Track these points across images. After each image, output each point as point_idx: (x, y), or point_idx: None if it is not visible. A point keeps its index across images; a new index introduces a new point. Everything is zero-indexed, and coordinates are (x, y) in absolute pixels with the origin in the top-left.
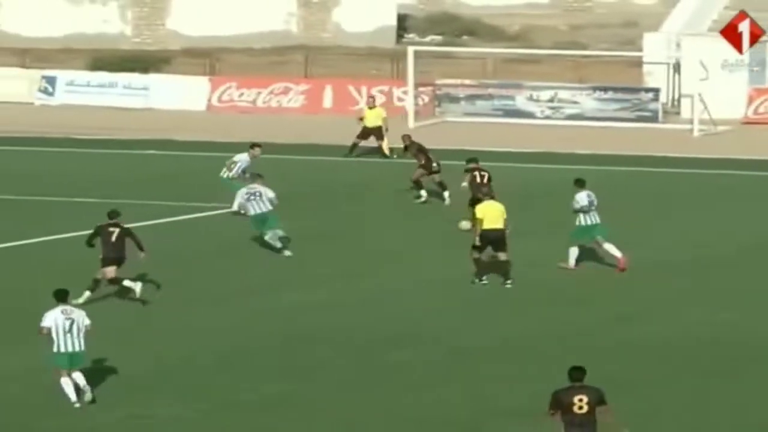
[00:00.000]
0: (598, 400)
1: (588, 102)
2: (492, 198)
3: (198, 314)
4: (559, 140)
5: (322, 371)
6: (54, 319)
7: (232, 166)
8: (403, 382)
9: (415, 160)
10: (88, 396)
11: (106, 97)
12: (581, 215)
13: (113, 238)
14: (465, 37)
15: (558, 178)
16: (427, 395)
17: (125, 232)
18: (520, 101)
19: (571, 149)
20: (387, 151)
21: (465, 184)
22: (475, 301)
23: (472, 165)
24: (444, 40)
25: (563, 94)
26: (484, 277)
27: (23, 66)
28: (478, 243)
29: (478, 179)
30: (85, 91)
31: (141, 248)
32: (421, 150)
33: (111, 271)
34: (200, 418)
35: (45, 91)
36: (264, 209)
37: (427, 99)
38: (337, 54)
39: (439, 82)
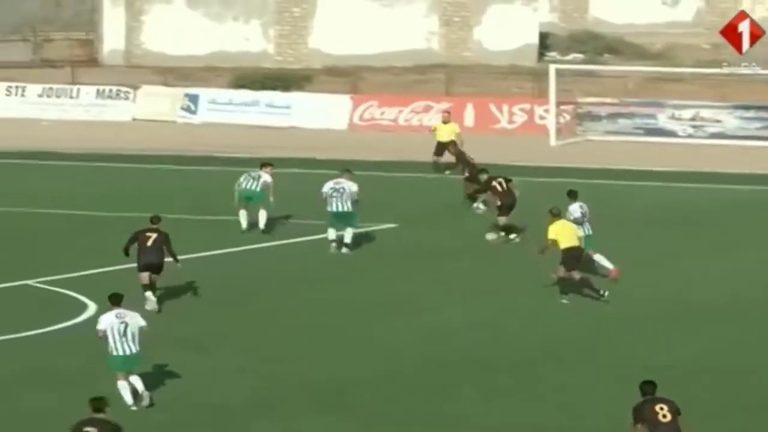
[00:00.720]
0: (676, 409)
1: (730, 120)
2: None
3: (353, 330)
4: (700, 159)
5: (474, 390)
6: (109, 323)
7: (253, 180)
8: (558, 400)
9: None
10: (145, 401)
11: (248, 116)
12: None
13: (149, 243)
14: (607, 56)
15: (699, 198)
16: (581, 412)
17: (163, 239)
18: (662, 120)
19: (713, 168)
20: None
21: (499, 202)
22: (627, 321)
23: (487, 175)
24: (586, 59)
25: (705, 113)
26: (603, 292)
27: (166, 84)
28: (562, 272)
29: (500, 188)
30: (228, 110)
31: (175, 259)
32: (464, 158)
33: (144, 277)
34: None
35: (188, 110)
36: (344, 208)
37: (568, 117)
38: (479, 72)
39: (580, 100)
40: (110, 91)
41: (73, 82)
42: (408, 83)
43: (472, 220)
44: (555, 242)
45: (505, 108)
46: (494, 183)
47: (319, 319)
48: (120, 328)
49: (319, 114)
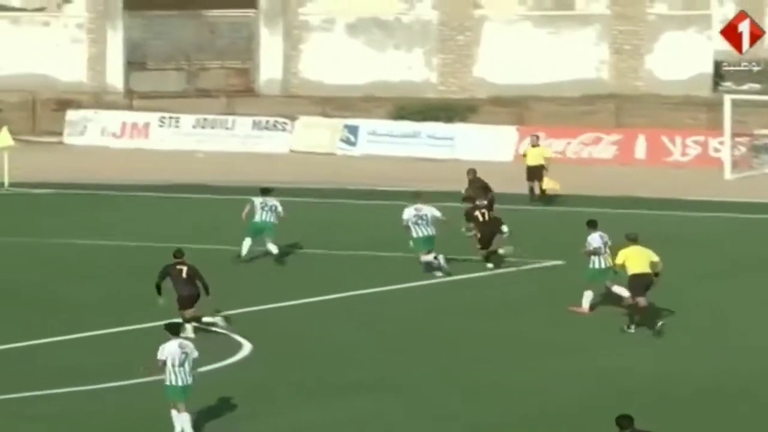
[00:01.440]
0: None
1: None
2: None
3: (506, 371)
4: None
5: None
6: (171, 352)
7: (269, 212)
8: None
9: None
10: None
11: (409, 147)
12: (594, 258)
13: (184, 276)
14: None
15: None
16: None
17: (193, 270)
18: None
19: None
20: (546, 189)
21: (479, 234)
22: None
23: (470, 204)
24: (762, 88)
25: None
26: (632, 326)
27: (325, 115)
28: (625, 291)
29: (481, 219)
30: (388, 141)
31: (207, 290)
32: (485, 188)
33: (189, 312)
34: None
35: (347, 141)
36: (429, 233)
37: (744, 150)
38: (650, 103)
39: (757, 132)
40: (267, 122)
41: (229, 113)
42: (576, 114)
43: None
44: (623, 267)
45: (678, 140)
46: (477, 213)
47: (475, 359)
48: (180, 358)
49: (484, 146)
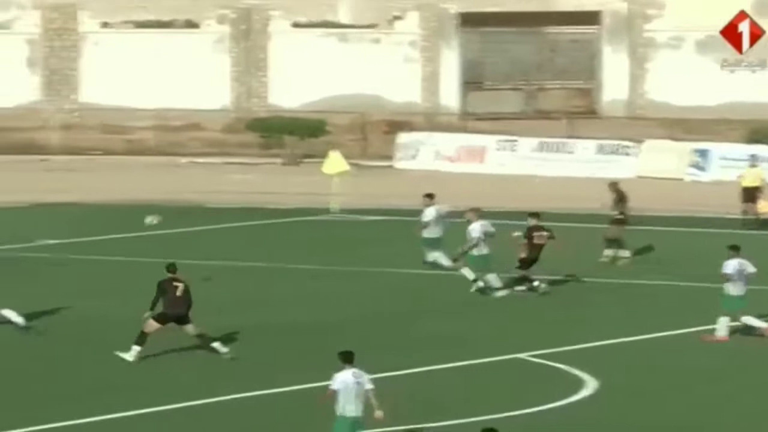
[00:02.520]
0: None
1: None
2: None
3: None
4: None
5: None
6: (344, 381)
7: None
8: None
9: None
10: None
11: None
12: (729, 285)
13: (178, 293)
14: None
15: None
16: None
17: (187, 288)
18: None
19: None
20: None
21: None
22: None
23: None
24: None
25: None
26: None
27: (672, 138)
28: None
29: (536, 241)
30: (741, 167)
31: (188, 309)
32: (622, 200)
33: (157, 326)
34: None
35: (696, 166)
36: (489, 251)
37: None
38: None
39: None
40: (611, 145)
41: (570, 136)
42: None
43: None
44: None
45: None
46: (534, 234)
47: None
48: (355, 388)
49: None
